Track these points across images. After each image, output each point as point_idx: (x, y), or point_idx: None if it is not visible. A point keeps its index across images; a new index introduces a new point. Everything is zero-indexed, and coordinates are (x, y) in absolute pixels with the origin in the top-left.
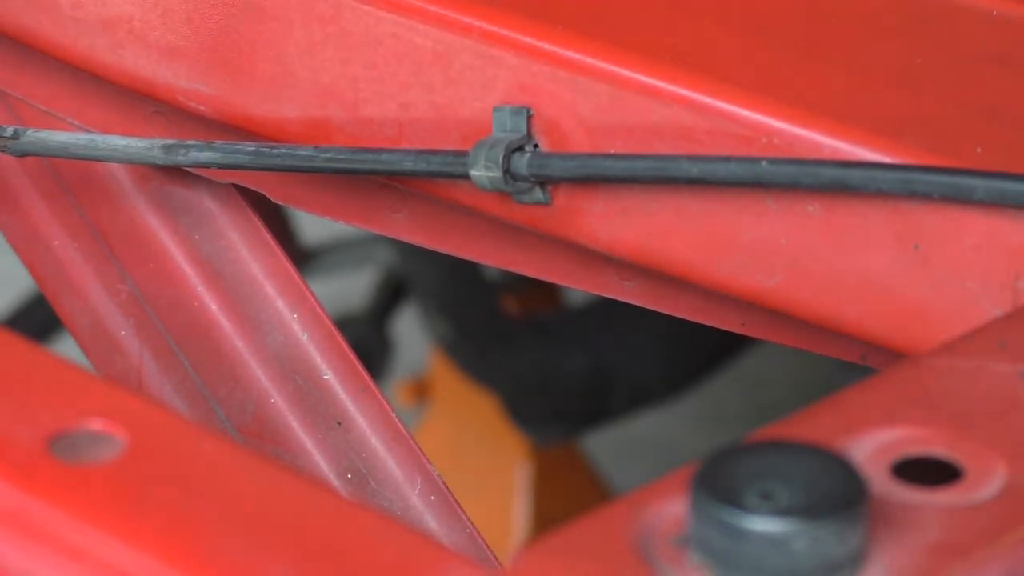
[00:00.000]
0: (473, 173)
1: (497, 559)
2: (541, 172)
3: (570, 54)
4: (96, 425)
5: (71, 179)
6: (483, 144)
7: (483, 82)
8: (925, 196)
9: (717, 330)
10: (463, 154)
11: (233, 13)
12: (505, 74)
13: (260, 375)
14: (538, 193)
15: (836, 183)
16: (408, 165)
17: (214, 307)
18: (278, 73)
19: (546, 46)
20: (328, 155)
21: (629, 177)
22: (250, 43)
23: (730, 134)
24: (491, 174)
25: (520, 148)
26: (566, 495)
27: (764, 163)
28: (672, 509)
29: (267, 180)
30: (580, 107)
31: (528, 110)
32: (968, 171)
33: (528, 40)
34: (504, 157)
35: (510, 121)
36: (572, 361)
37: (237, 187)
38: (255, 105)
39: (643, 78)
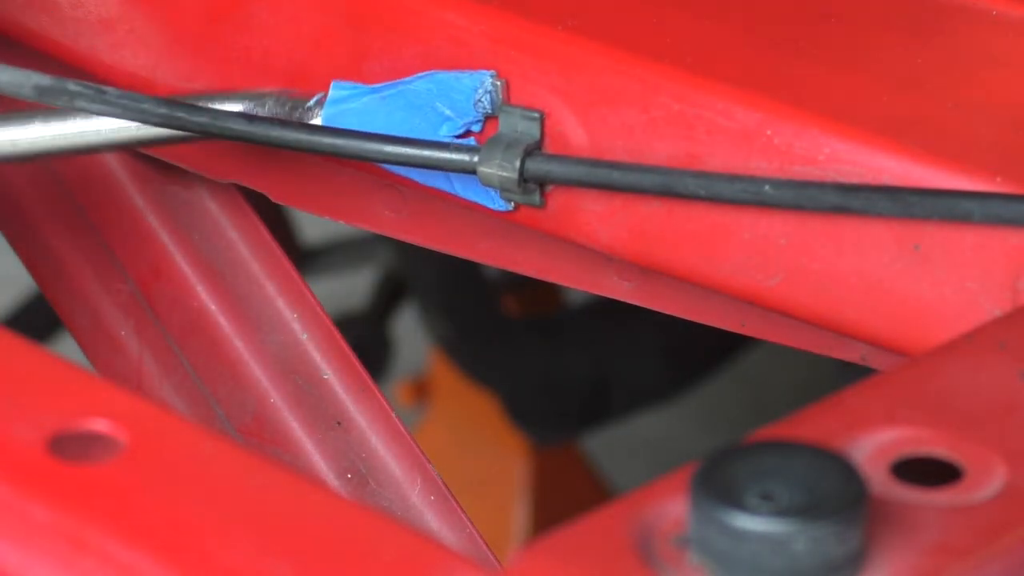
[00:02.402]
0: (483, 170)
1: (497, 559)
2: (544, 175)
3: (569, 52)
4: (96, 425)
5: (71, 179)
6: (496, 142)
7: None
8: (924, 218)
9: (717, 330)
10: (470, 149)
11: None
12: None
13: (260, 375)
14: (534, 196)
15: (836, 207)
16: (407, 154)
17: (214, 307)
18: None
19: (545, 43)
20: (305, 135)
21: (633, 189)
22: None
23: (730, 134)
24: (504, 174)
25: (532, 152)
26: (566, 495)
27: (767, 186)
28: (672, 509)
29: (268, 180)
30: (580, 106)
31: (541, 113)
32: (965, 193)
33: (528, 36)
34: (521, 160)
35: (520, 123)
36: (572, 361)
37: (237, 187)
38: None
39: (643, 77)
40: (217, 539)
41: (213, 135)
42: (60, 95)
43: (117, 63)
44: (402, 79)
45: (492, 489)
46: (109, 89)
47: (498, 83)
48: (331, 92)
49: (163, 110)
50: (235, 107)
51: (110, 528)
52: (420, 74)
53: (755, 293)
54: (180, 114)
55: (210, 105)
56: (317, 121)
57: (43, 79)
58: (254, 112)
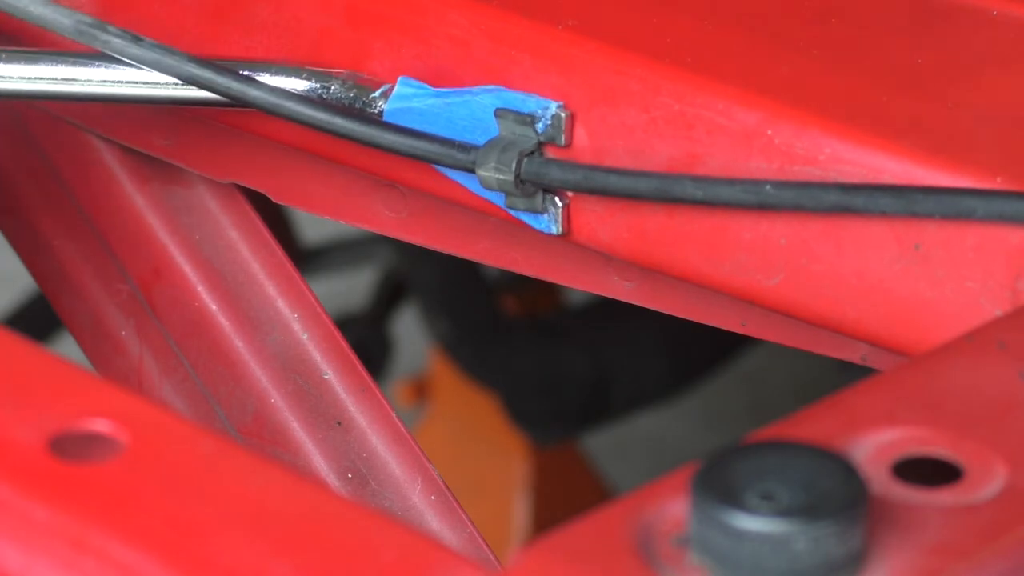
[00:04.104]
0: (481, 173)
1: (497, 559)
2: (541, 180)
3: (569, 52)
4: (96, 425)
5: (71, 178)
6: (494, 144)
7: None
8: (927, 216)
9: (717, 330)
10: (469, 149)
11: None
12: (504, 67)
13: (260, 375)
14: (536, 200)
15: (839, 206)
16: (409, 145)
17: (214, 307)
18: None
19: (545, 43)
20: (309, 109)
21: (631, 194)
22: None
23: (731, 134)
24: (501, 177)
25: (531, 154)
26: (566, 495)
27: (768, 187)
28: (672, 509)
29: (268, 180)
30: (580, 106)
31: (534, 117)
32: (968, 191)
33: (528, 36)
34: (516, 163)
35: (516, 126)
36: (572, 361)
37: (237, 187)
38: None
39: (644, 77)
40: (217, 539)
41: (232, 100)
42: (97, 35)
43: None
44: (469, 88)
45: (492, 489)
46: (145, 39)
47: (563, 114)
48: (397, 88)
49: (191, 67)
50: (300, 82)
51: (110, 528)
52: (487, 87)
53: (755, 293)
54: (207, 73)
55: (276, 77)
56: (379, 112)
57: (83, 17)
58: (319, 92)
